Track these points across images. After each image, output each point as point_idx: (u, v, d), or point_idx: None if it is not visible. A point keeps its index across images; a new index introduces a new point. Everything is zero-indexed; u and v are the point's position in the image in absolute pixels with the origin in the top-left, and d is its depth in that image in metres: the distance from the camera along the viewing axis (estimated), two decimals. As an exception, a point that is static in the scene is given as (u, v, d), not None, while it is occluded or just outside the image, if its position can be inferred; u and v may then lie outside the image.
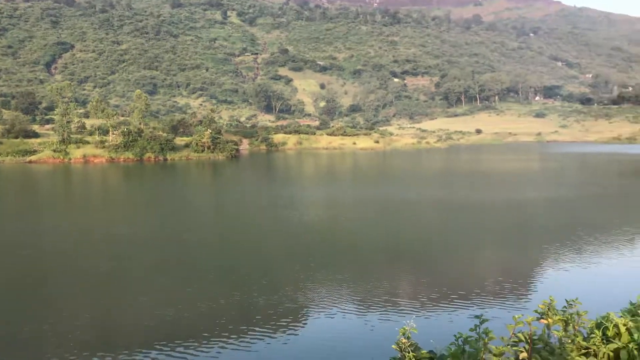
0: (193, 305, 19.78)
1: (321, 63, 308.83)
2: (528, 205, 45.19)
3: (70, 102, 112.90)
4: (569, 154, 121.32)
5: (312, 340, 16.54)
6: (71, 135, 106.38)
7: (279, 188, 60.67)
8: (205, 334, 17.04)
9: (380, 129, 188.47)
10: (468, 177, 73.39)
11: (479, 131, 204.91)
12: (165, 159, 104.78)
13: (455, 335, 6.36)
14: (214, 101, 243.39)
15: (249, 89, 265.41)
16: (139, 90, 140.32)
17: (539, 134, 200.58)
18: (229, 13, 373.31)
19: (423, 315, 18.49)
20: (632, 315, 7.90)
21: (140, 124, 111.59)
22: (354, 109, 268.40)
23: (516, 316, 6.65)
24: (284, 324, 17.87)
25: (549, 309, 7.28)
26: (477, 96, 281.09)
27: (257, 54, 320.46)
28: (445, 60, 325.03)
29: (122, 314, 19.32)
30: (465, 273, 24.49)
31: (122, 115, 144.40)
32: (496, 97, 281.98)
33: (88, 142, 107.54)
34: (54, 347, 16.34)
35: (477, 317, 6.55)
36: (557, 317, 7.16)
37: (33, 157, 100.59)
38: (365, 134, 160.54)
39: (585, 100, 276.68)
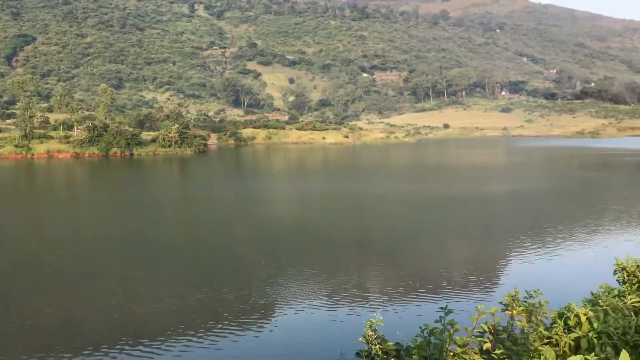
0: (161, 302, 19.57)
1: (290, 57, 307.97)
2: (494, 199, 45.96)
3: (33, 96, 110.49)
4: (534, 148, 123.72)
5: (281, 336, 16.53)
6: (34, 130, 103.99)
7: (248, 183, 60.38)
8: (172, 331, 16.86)
9: (350, 123, 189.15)
10: (436, 171, 74.27)
11: (446, 126, 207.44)
12: (132, 154, 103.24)
13: (421, 327, 6.43)
14: (181, 95, 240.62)
15: (217, 83, 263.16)
16: (104, 84, 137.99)
17: (505, 128, 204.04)
18: (196, 6, 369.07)
19: (391, 308, 18.65)
20: (593, 305, 8.11)
21: (105, 118, 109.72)
22: (323, 103, 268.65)
23: (479, 307, 6.75)
24: (253, 319, 17.82)
25: (513, 300, 7.42)
26: (445, 91, 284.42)
27: (225, 47, 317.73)
28: (413, 55, 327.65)
29: (87, 312, 18.98)
30: (432, 266, 24.78)
31: (87, 110, 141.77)
32: (463, 92, 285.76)
33: (52, 137, 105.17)
34: (18, 346, 15.97)
35: (442, 308, 6.64)
36: (521, 308, 7.31)
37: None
38: (335, 129, 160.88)
39: (550, 96, 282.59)
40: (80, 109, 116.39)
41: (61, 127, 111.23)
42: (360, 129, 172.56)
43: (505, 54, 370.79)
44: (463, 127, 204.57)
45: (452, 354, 6.08)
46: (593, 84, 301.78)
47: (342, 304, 19.12)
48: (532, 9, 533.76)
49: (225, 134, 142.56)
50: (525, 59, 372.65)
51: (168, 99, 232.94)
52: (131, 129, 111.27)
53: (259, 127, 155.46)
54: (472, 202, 43.99)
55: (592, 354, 5.59)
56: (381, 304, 18.95)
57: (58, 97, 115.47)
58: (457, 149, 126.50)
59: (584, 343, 6.72)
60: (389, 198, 46.95)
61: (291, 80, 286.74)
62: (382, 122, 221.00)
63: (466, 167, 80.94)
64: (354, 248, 28.73)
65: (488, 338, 6.52)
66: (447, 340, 6.22)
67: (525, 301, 7.54)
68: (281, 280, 22.04)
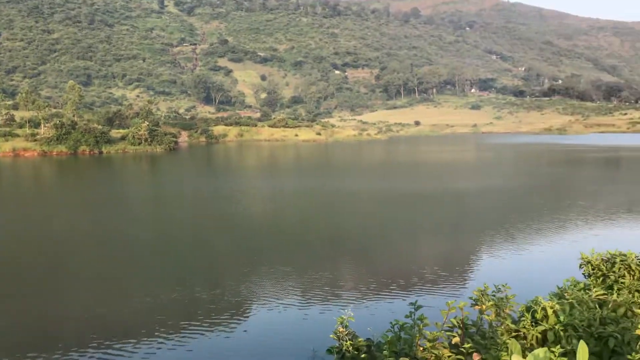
0: (132, 302, 19.34)
1: (262, 54, 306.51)
2: (465, 195, 46.54)
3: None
4: (503, 145, 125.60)
5: (253, 335, 16.49)
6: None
7: (219, 180, 59.99)
8: (143, 332, 16.67)
9: (322, 120, 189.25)
10: (408, 168, 74.85)
11: (417, 123, 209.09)
12: (101, 152, 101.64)
13: (391, 323, 6.48)
14: (151, 92, 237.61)
15: (187, 80, 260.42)
16: (72, 81, 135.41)
17: (475, 125, 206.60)
18: (166, 2, 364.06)
19: (363, 304, 18.76)
20: (559, 299, 8.29)
21: (74, 116, 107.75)
22: (296, 100, 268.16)
23: (449, 302, 6.85)
24: (226, 319, 17.73)
25: (482, 295, 7.54)
26: (416, 89, 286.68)
27: (195, 44, 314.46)
28: (384, 53, 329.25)
29: (56, 313, 18.65)
30: (404, 262, 24.99)
31: (55, 108, 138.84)
32: (434, 90, 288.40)
33: (18, 135, 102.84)
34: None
35: (412, 304, 6.71)
36: (490, 303, 7.43)
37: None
38: (307, 126, 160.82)
39: (518, 93, 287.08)
40: (47, 106, 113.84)
41: (27, 124, 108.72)
42: (333, 126, 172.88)
43: (474, 52, 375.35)
44: (434, 124, 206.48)
45: (421, 348, 6.15)
46: (560, 82, 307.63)
47: (315, 301, 19.15)
48: (501, 7, 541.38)
49: (196, 132, 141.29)
50: (494, 57, 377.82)
51: (138, 96, 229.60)
52: (100, 127, 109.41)
53: (231, 125, 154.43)
54: (443, 199, 44.47)
55: (558, 346, 5.71)
56: (353, 300, 19.04)
57: (24, 94, 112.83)
58: (428, 145, 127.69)
59: (550, 336, 6.86)
60: (361, 195, 47.16)
61: (263, 77, 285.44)
62: (355, 120, 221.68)
63: (437, 164, 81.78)
64: (326, 245, 28.80)
65: (457, 332, 6.61)
66: (417, 335, 6.30)
67: (494, 296, 7.67)
68: (254, 279, 21.97)
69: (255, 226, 34.42)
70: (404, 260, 25.48)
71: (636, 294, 9.52)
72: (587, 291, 8.83)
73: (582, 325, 6.91)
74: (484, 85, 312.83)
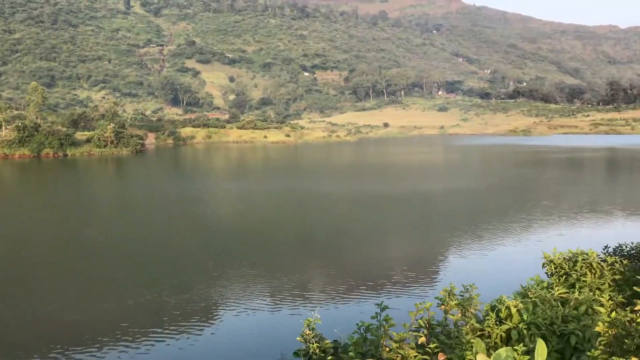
0: (98, 308, 18.94)
1: (230, 56, 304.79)
2: (432, 196, 47.04)
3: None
4: (469, 146, 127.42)
5: (221, 339, 16.34)
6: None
7: (187, 183, 59.37)
8: (109, 338, 16.35)
9: (292, 122, 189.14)
10: (377, 170, 75.31)
11: (386, 125, 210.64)
12: (65, 155, 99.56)
13: (357, 324, 6.50)
14: (117, 94, 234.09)
15: (154, 82, 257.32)
16: (35, 82, 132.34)
17: (442, 127, 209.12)
18: (132, 3, 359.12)
19: (332, 306, 18.78)
20: (523, 297, 8.43)
21: (37, 118, 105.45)
22: (265, 102, 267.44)
23: (417, 303, 6.90)
24: (194, 323, 17.52)
25: (448, 295, 7.62)
26: (384, 91, 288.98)
27: (162, 45, 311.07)
28: (353, 55, 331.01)
29: (18, 320, 18.16)
30: (372, 264, 25.10)
31: (17, 109, 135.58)
32: (402, 92, 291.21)
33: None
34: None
35: (377, 305, 6.74)
36: (455, 303, 7.51)
37: None
38: (277, 128, 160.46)
39: (484, 95, 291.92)
40: (8, 107, 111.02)
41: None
42: (302, 127, 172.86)
43: (441, 55, 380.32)
44: (402, 126, 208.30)
45: (387, 349, 6.18)
46: (525, 84, 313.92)
47: (284, 304, 19.10)
48: (467, 11, 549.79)
49: (163, 134, 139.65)
50: (460, 60, 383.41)
51: (103, 97, 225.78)
52: (64, 129, 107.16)
53: (199, 126, 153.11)
54: (412, 201, 44.87)
55: (521, 344, 5.79)
56: (322, 302, 19.04)
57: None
58: (396, 147, 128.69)
59: (514, 334, 6.97)
60: (331, 197, 47.24)
61: (231, 79, 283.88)
62: (324, 121, 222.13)
63: (406, 165, 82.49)
64: (295, 248, 28.77)
65: (423, 333, 6.67)
66: (383, 335, 6.32)
67: (460, 296, 7.76)
68: (223, 282, 21.79)
69: (224, 228, 34.17)
70: (373, 261, 25.60)
71: (597, 292, 9.75)
72: (549, 290, 9.01)
73: (545, 323, 7.04)
74: (451, 87, 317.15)
